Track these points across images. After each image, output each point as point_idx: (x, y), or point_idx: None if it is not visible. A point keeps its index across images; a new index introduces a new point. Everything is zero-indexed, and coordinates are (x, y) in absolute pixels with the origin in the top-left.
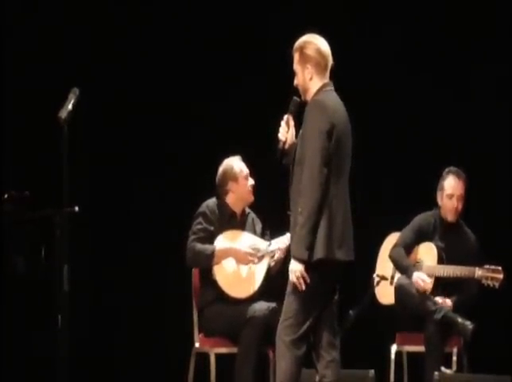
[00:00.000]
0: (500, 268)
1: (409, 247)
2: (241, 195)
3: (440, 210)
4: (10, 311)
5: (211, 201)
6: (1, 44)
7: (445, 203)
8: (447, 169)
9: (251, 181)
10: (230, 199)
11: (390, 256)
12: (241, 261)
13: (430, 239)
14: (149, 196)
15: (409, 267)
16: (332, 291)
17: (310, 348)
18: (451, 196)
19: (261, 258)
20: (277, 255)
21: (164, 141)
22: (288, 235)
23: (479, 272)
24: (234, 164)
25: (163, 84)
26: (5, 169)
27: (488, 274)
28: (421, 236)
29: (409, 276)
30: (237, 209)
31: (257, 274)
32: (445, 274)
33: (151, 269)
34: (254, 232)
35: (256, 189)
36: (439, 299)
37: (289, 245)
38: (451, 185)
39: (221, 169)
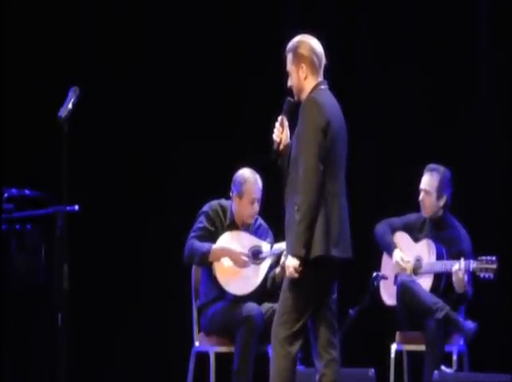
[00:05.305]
0: (494, 258)
1: (392, 229)
2: (240, 211)
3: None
4: (10, 311)
5: (215, 202)
6: (1, 43)
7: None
8: (426, 167)
9: (255, 208)
10: (234, 206)
11: (375, 230)
12: (235, 262)
13: (417, 237)
14: (150, 196)
15: (390, 244)
16: (330, 289)
17: (310, 348)
18: (420, 191)
19: (262, 260)
20: (283, 259)
21: (166, 140)
22: None
23: (473, 265)
24: (247, 181)
25: (164, 83)
26: (5, 168)
27: (482, 265)
28: (406, 227)
29: (390, 253)
30: (237, 219)
31: (258, 274)
32: (443, 269)
33: (151, 268)
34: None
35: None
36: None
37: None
38: (421, 181)
39: (236, 174)
